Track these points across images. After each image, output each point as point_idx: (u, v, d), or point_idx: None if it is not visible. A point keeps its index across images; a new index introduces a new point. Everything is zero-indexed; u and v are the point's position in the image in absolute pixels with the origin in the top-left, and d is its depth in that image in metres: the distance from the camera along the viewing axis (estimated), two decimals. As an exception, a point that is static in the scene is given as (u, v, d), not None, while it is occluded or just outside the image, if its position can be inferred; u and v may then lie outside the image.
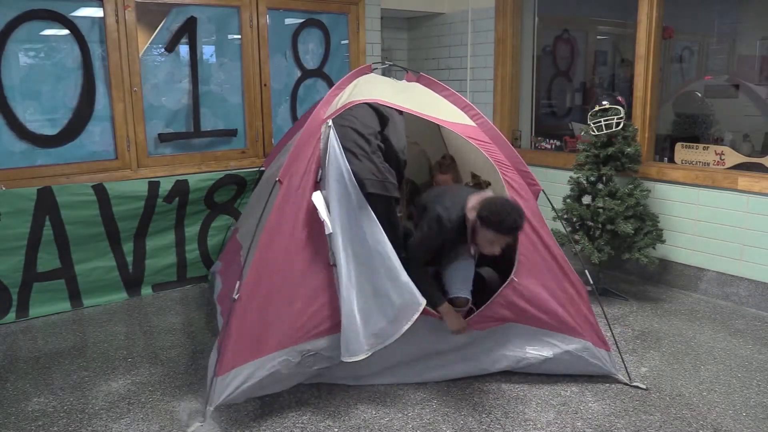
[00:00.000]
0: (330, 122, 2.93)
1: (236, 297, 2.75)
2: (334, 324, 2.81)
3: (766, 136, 5.20)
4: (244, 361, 2.71)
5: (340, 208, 2.81)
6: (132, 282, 4.37)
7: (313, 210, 2.83)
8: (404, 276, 2.80)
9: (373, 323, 2.79)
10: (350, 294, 2.78)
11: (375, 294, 2.80)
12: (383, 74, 4.22)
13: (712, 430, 2.73)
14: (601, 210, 4.14)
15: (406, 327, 2.79)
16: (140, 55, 4.36)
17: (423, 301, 2.81)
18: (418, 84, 3.55)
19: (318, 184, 2.89)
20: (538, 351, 3.04)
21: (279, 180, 2.90)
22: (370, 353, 2.79)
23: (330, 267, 2.85)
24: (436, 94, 3.44)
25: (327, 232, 2.79)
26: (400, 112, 3.29)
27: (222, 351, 2.71)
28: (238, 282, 2.78)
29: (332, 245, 2.82)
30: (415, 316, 2.79)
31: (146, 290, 4.43)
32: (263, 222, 2.91)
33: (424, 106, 3.18)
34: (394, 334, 2.79)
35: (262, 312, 2.77)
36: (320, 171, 2.90)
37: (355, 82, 3.33)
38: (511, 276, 2.97)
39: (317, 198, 2.82)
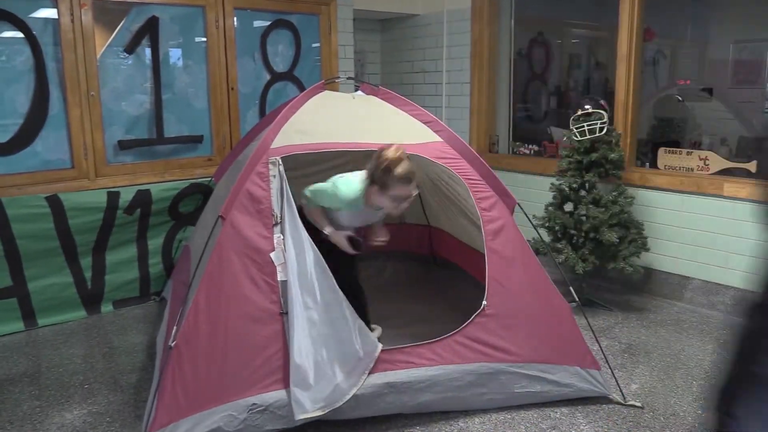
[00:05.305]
0: (279, 159, 2.74)
1: (172, 344, 2.48)
2: (285, 376, 2.54)
3: (740, 140, 5.15)
4: (180, 416, 2.41)
5: (295, 253, 2.63)
6: (91, 299, 4.09)
7: (259, 251, 2.62)
8: (361, 323, 2.65)
9: (330, 377, 2.55)
10: (303, 345, 2.54)
11: (336, 343, 2.60)
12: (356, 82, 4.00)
13: (711, 452, 2.59)
14: (584, 218, 4.00)
15: (365, 378, 2.59)
16: (98, 58, 4.09)
17: (380, 345, 2.66)
18: (375, 99, 3.34)
19: (272, 227, 2.67)
20: (525, 388, 2.82)
21: (221, 216, 2.67)
22: (326, 411, 2.52)
23: (280, 315, 2.59)
24: (396, 110, 3.25)
25: (280, 279, 2.60)
26: None
27: (156, 404, 2.43)
28: (174, 327, 2.52)
29: (286, 292, 2.60)
30: (371, 364, 2.61)
31: (107, 307, 4.15)
32: (204, 260, 2.65)
33: (378, 130, 3.01)
34: (351, 389, 2.56)
35: (202, 362, 2.49)
36: (274, 212, 2.68)
37: (304, 106, 3.13)
38: (483, 303, 2.79)
39: (276, 242, 2.63)
